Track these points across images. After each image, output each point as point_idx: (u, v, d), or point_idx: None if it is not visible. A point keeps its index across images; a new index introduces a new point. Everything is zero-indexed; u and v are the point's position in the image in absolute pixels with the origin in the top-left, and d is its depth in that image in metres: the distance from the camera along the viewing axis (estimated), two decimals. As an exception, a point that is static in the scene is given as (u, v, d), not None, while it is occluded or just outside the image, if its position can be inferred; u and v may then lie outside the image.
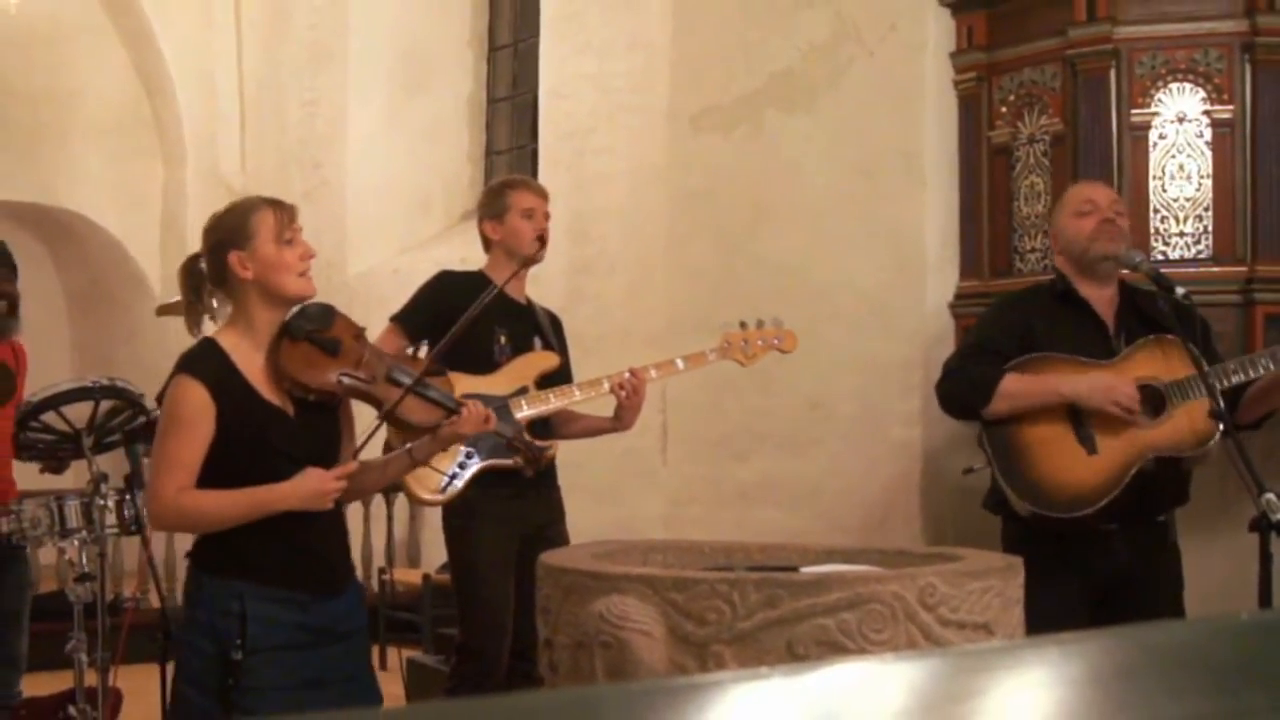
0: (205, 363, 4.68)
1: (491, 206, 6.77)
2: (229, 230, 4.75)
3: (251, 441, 4.65)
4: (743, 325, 6.71)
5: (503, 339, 6.56)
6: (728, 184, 9.53)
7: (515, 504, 6.46)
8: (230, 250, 4.71)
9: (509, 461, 5.90)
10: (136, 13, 14.58)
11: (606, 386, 6.47)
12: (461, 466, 6.37)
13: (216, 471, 4.64)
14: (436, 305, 6.59)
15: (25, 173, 14.59)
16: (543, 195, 6.81)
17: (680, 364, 6.61)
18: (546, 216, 6.74)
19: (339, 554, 4.91)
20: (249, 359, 4.71)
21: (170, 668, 6.74)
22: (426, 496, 6.45)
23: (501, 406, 6.28)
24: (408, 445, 5.04)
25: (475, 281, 6.69)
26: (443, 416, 4.89)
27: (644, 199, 10.29)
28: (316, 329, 4.77)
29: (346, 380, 4.76)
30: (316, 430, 4.76)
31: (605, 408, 6.57)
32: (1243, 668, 1.42)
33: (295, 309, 4.80)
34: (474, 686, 6.47)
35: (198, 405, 4.61)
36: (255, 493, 4.62)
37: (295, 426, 4.72)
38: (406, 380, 4.85)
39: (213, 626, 4.62)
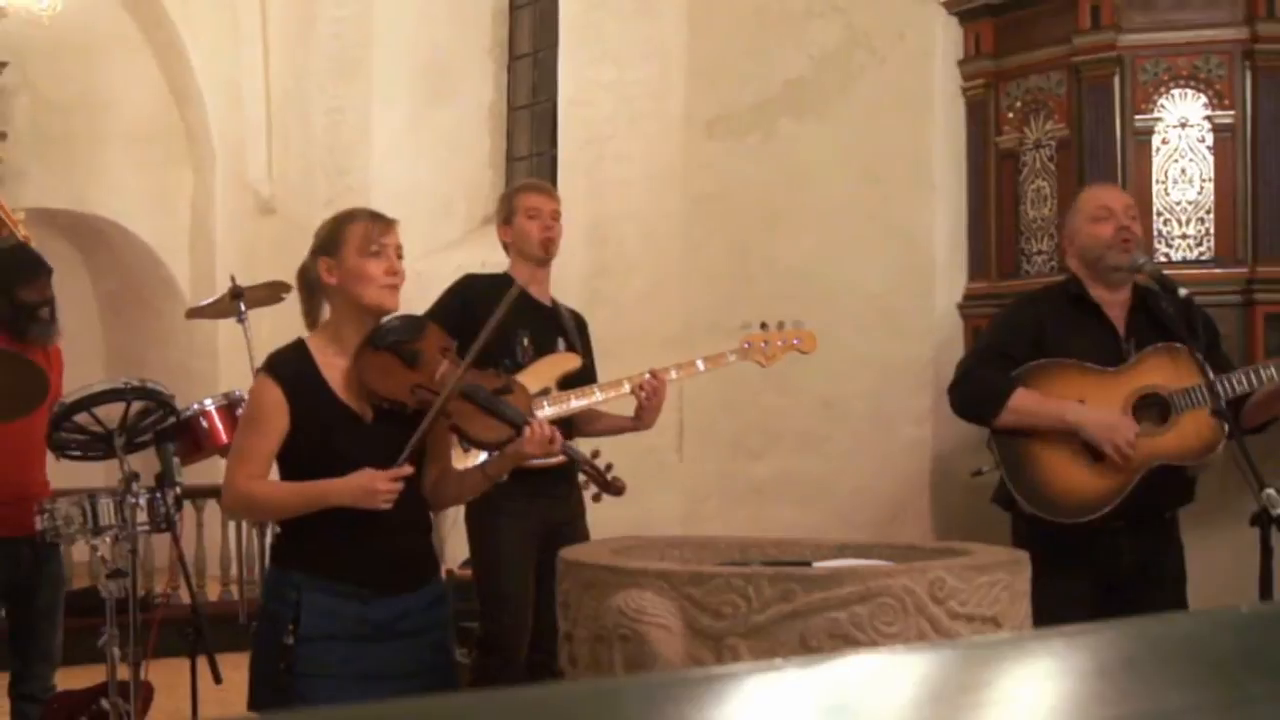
0: (286, 363, 4.80)
1: (503, 211, 6.79)
2: (323, 237, 4.85)
3: (317, 441, 4.73)
4: (763, 326, 6.68)
5: (525, 341, 6.53)
6: (742, 189, 9.53)
7: (535, 502, 6.42)
8: (321, 256, 4.81)
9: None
10: (167, 25, 14.62)
11: (627, 387, 6.45)
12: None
13: (287, 466, 4.78)
14: (461, 307, 6.59)
15: (59, 180, 14.63)
16: (548, 195, 6.78)
17: (701, 365, 6.58)
18: (554, 216, 6.70)
19: (408, 555, 4.87)
20: (333, 362, 4.78)
21: (200, 662, 6.81)
22: None
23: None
24: (481, 461, 5.02)
25: (499, 283, 6.68)
26: (511, 434, 4.80)
27: (660, 203, 10.29)
28: (400, 339, 4.78)
29: (419, 392, 4.75)
30: (390, 438, 4.71)
31: (627, 407, 6.55)
32: (1243, 658, 1.42)
33: (387, 318, 4.84)
34: (495, 679, 6.46)
35: (271, 403, 4.72)
36: (310, 486, 4.70)
37: (365, 431, 4.74)
38: (479, 397, 4.80)
39: (274, 614, 4.73)
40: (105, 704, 6.76)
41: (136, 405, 6.77)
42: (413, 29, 13.51)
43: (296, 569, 4.74)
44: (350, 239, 4.77)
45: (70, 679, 7.31)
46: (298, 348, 4.83)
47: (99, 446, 6.87)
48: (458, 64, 13.57)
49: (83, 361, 11.71)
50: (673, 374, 6.50)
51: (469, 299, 6.61)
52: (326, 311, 4.91)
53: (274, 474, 4.81)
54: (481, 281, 6.78)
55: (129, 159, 14.96)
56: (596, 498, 5.50)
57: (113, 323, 16.06)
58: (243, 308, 7.70)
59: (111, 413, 6.73)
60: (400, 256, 4.82)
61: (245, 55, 14.54)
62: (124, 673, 6.71)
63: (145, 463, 6.89)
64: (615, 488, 5.38)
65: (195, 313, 8.76)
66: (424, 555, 5.03)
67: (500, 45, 13.67)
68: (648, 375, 6.40)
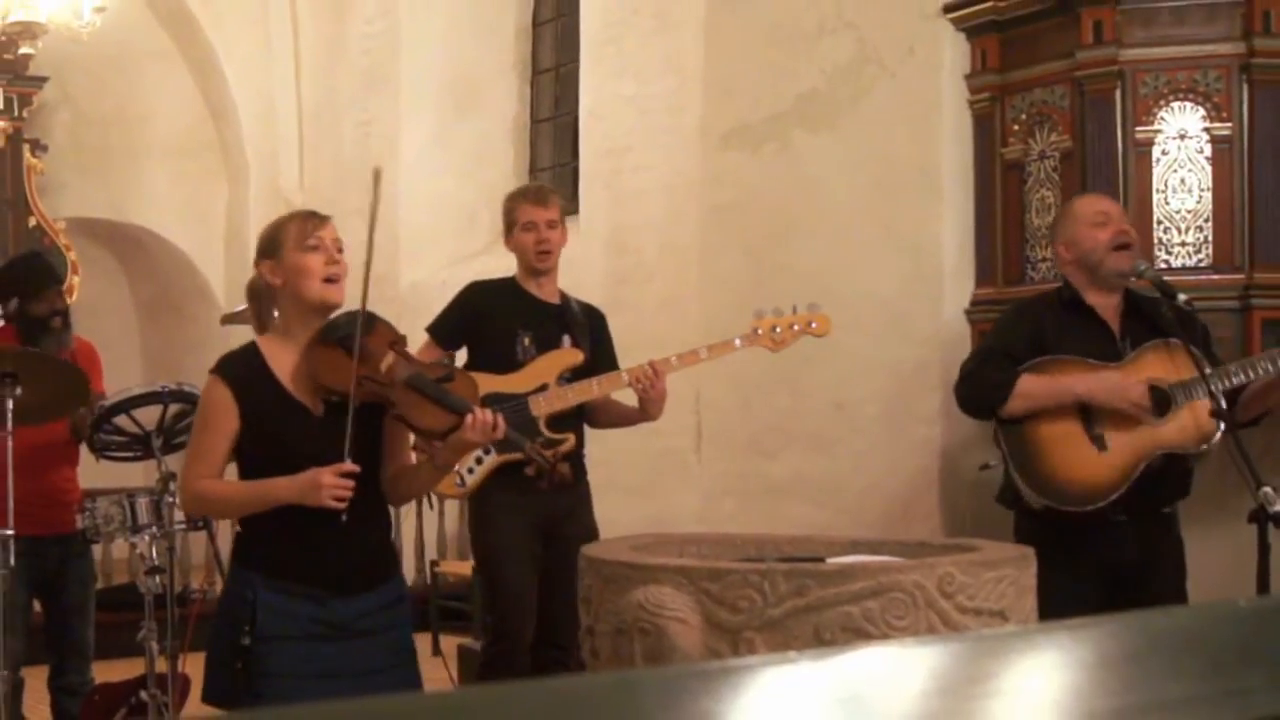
0: (235, 363, 4.76)
1: (505, 221, 6.71)
2: (263, 243, 4.82)
3: (269, 437, 4.67)
4: (776, 312, 6.59)
5: (526, 340, 6.44)
6: (756, 199, 9.53)
7: (532, 493, 6.05)
8: (263, 261, 4.79)
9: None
10: (202, 42, 14.63)
11: (625, 380, 6.37)
12: (479, 461, 6.34)
13: (244, 463, 4.72)
14: (465, 314, 6.57)
15: (98, 191, 14.65)
16: (542, 205, 6.61)
17: (704, 353, 6.43)
18: (550, 225, 6.54)
19: (361, 557, 4.75)
20: (283, 359, 4.73)
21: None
22: (447, 492, 6.46)
23: (520, 405, 6.25)
24: (430, 453, 4.89)
25: (505, 287, 6.65)
26: (456, 422, 4.68)
27: (678, 213, 10.30)
28: (348, 333, 4.68)
29: (365, 383, 4.65)
30: (342, 431, 4.58)
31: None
32: (1242, 651, 1.42)
33: (336, 314, 4.77)
34: (504, 666, 6.42)
35: (219, 403, 4.67)
36: (258, 484, 4.65)
37: (316, 424, 4.67)
38: (423, 386, 4.70)
39: (230, 613, 4.66)
40: (144, 695, 6.78)
41: (173, 408, 6.80)
42: (439, 45, 13.52)
43: (254, 569, 4.67)
44: (287, 239, 4.73)
45: (110, 672, 7.33)
46: (248, 348, 4.80)
47: (137, 447, 6.90)
48: (483, 79, 13.57)
49: (121, 366, 11.75)
50: (674, 362, 6.37)
51: (474, 305, 6.60)
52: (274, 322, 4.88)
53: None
54: (486, 286, 6.73)
55: (165, 171, 14.97)
56: (537, 476, 5.41)
57: (150, 328, 16.08)
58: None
59: (149, 415, 6.75)
60: (340, 250, 4.75)
61: (278, 71, 14.55)
62: (162, 665, 6.72)
63: (181, 463, 6.91)
64: (560, 477, 5.30)
65: (229, 319, 8.80)
66: (381, 554, 4.92)
67: (523, 60, 13.67)
68: (646, 366, 6.33)
